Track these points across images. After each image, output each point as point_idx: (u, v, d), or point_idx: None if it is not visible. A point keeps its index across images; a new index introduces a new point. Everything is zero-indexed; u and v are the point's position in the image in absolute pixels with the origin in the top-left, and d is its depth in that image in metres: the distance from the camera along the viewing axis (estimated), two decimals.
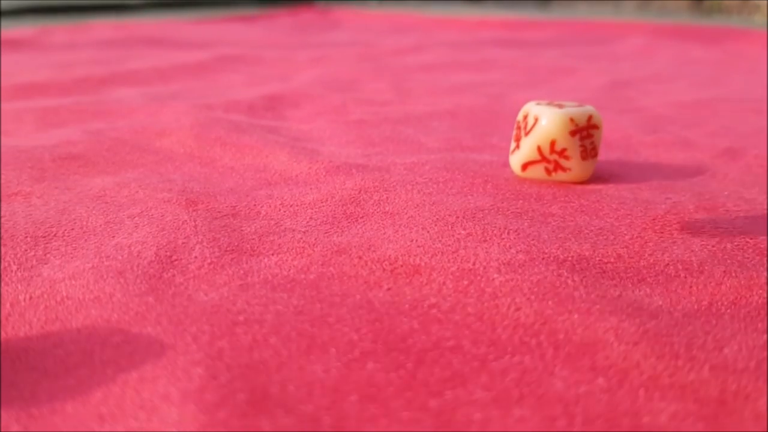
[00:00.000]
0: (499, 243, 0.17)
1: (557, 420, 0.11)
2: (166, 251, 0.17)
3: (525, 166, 0.22)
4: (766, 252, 0.17)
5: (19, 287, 0.15)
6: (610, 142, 0.29)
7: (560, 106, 0.22)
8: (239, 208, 0.20)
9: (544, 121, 0.21)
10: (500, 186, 0.22)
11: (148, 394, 0.11)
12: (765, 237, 0.18)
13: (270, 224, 0.19)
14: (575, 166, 0.22)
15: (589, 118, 0.22)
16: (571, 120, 0.21)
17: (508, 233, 0.18)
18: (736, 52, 0.65)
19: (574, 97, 0.39)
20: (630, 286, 0.15)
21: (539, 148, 0.22)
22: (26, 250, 0.17)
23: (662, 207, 0.20)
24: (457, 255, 0.16)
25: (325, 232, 0.18)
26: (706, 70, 0.53)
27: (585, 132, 0.22)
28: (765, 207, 0.20)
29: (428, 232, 0.18)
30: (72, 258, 0.17)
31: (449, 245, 0.17)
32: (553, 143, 0.22)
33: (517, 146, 0.23)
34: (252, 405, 0.11)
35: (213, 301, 0.14)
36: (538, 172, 0.22)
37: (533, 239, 0.17)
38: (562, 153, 0.22)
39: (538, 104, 0.22)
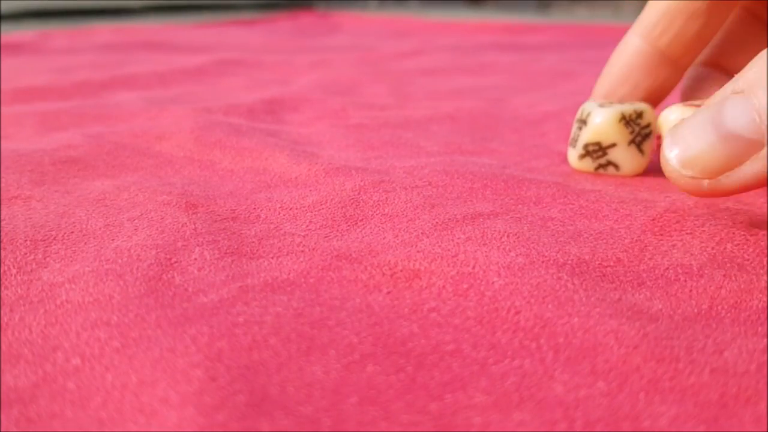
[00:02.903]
0: (498, 247, 0.17)
1: (557, 424, 0.11)
2: (165, 253, 0.17)
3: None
4: (766, 254, 0.17)
5: (19, 291, 0.15)
6: None
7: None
8: (239, 212, 0.20)
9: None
10: (499, 190, 0.22)
11: (147, 397, 0.11)
12: (765, 239, 0.18)
13: (269, 228, 0.19)
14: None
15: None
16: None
17: (508, 237, 0.18)
18: None
19: (574, 101, 0.39)
20: (630, 289, 0.15)
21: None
22: (26, 254, 0.17)
23: (661, 206, 0.20)
24: (457, 259, 0.16)
25: (325, 236, 0.18)
26: None
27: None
28: (765, 208, 0.20)
29: (428, 236, 0.18)
30: (72, 261, 0.17)
31: (449, 249, 0.17)
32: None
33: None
34: (251, 407, 0.11)
35: (212, 303, 0.14)
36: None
37: (533, 243, 0.17)
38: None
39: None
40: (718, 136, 0.16)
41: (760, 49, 0.24)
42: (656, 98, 0.24)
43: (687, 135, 0.17)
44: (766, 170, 0.16)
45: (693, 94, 0.24)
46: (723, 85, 0.23)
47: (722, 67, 0.24)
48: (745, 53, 0.24)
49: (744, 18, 0.24)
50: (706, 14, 0.22)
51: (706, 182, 0.16)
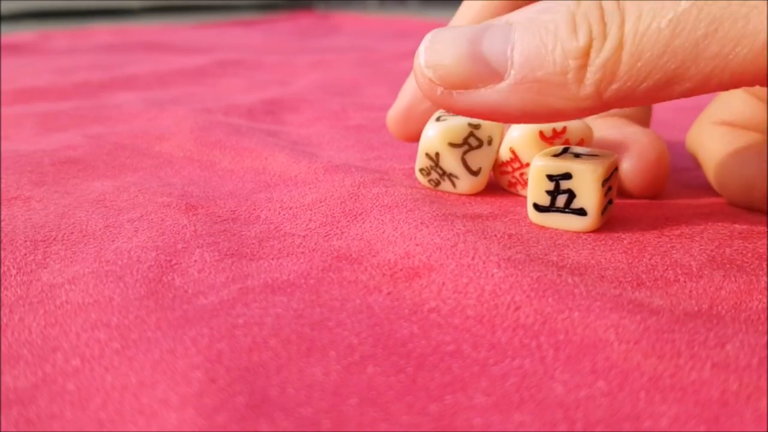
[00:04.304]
0: (498, 242, 0.17)
1: (558, 425, 0.11)
2: (165, 255, 0.17)
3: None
4: (765, 256, 0.17)
5: (19, 292, 0.15)
6: None
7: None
8: (239, 213, 0.20)
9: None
10: (497, 195, 0.22)
11: (147, 399, 0.11)
12: (764, 241, 0.18)
13: (270, 229, 0.19)
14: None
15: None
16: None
17: (509, 237, 0.18)
18: None
19: None
20: (630, 289, 0.15)
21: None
22: (26, 255, 0.17)
23: (660, 210, 0.20)
24: (456, 249, 0.16)
25: (325, 235, 0.18)
26: None
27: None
28: (764, 210, 0.20)
29: (427, 226, 0.18)
30: (71, 262, 0.17)
31: (448, 239, 0.17)
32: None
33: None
34: (251, 408, 0.11)
35: (212, 304, 0.14)
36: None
37: (532, 244, 0.17)
38: None
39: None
40: (469, 53, 0.15)
41: None
42: None
43: (443, 39, 0.16)
44: (497, 104, 0.15)
45: None
46: None
47: None
48: None
49: None
50: None
51: (440, 90, 0.16)
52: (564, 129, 0.20)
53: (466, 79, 0.16)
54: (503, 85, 0.15)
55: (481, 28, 0.16)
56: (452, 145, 0.20)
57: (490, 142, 0.20)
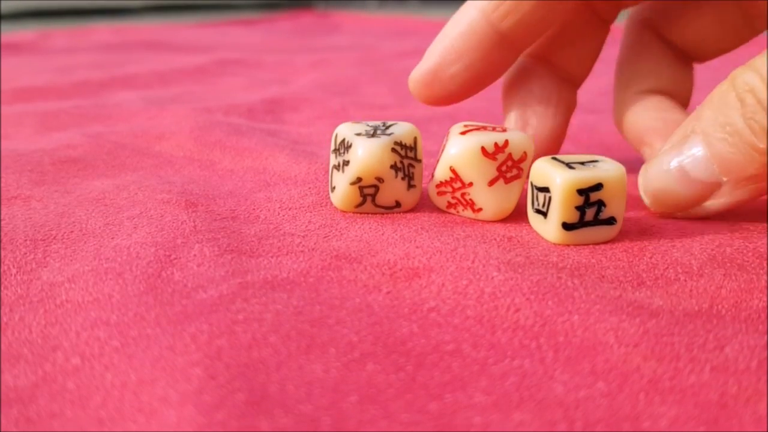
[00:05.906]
0: (498, 245, 0.17)
1: (557, 424, 0.11)
2: (165, 250, 0.17)
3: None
4: (765, 255, 0.17)
5: (19, 291, 0.15)
6: (609, 145, 0.29)
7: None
8: (238, 212, 0.20)
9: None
10: None
11: (147, 396, 0.11)
12: (765, 240, 0.18)
13: (269, 228, 0.19)
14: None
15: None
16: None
17: (508, 240, 0.18)
18: (735, 56, 0.65)
19: (580, 100, 0.39)
20: (630, 288, 0.15)
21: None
22: (26, 254, 0.17)
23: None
24: (456, 253, 0.16)
25: (325, 236, 0.18)
26: (705, 72, 0.53)
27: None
28: (765, 210, 0.20)
29: (427, 231, 0.18)
30: (71, 261, 0.17)
31: (448, 243, 0.17)
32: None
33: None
34: (251, 405, 0.11)
35: (212, 299, 0.14)
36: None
37: (532, 246, 0.17)
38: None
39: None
40: (681, 181, 0.18)
41: (593, 47, 0.22)
42: (487, 81, 0.21)
43: (653, 177, 0.19)
44: (727, 205, 0.18)
45: (515, 87, 0.22)
46: (545, 82, 0.22)
47: (548, 60, 0.22)
48: (577, 49, 0.22)
49: (582, 11, 0.22)
50: None
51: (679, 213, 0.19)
52: (506, 142, 0.18)
53: (693, 201, 0.18)
54: (725, 190, 0.18)
55: (676, 153, 0.18)
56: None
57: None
